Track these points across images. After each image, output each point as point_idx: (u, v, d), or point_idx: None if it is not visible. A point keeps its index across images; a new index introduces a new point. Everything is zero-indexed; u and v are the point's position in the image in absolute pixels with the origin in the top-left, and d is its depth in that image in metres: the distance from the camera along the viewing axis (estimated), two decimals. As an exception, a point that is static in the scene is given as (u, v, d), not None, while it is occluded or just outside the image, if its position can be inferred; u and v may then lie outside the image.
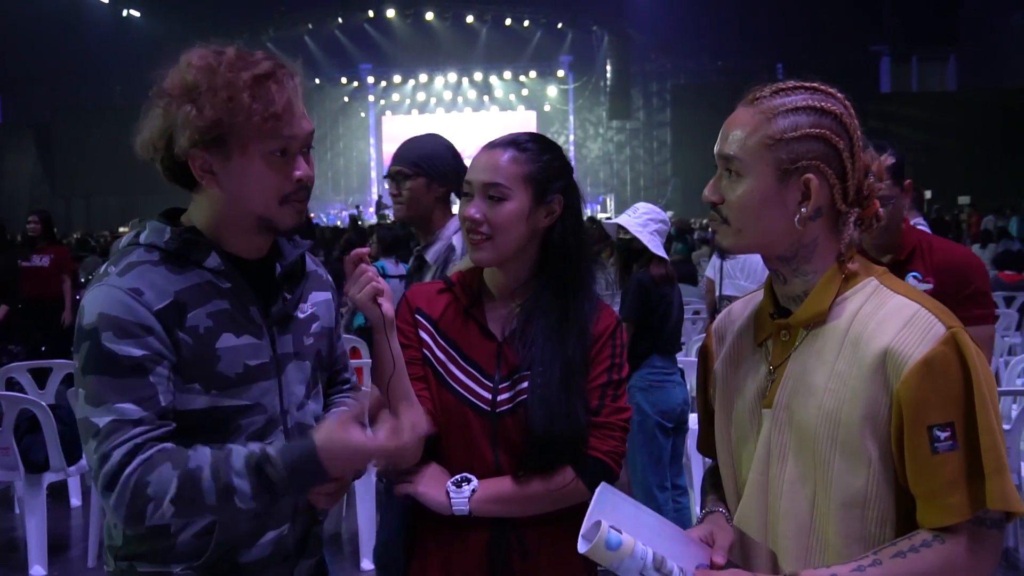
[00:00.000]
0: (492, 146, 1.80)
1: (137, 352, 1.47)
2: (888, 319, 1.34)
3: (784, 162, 1.37)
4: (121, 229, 23.41)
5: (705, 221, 20.56)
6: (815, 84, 1.43)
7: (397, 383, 1.69)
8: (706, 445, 1.66)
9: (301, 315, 1.71)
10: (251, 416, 1.59)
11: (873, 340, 1.34)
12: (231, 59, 1.52)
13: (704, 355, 1.65)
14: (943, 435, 1.28)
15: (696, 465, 4.57)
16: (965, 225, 20.07)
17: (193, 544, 1.57)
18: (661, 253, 4.12)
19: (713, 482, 1.68)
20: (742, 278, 6.56)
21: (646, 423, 4.09)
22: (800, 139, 1.37)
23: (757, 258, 7.22)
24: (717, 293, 6.41)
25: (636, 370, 4.12)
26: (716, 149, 1.45)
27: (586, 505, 1.81)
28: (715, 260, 6.63)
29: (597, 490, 1.47)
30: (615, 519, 1.37)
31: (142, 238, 1.59)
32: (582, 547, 1.35)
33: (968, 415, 1.28)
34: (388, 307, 1.66)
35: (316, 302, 1.76)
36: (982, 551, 1.30)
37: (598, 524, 1.35)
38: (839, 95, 1.42)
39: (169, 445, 1.49)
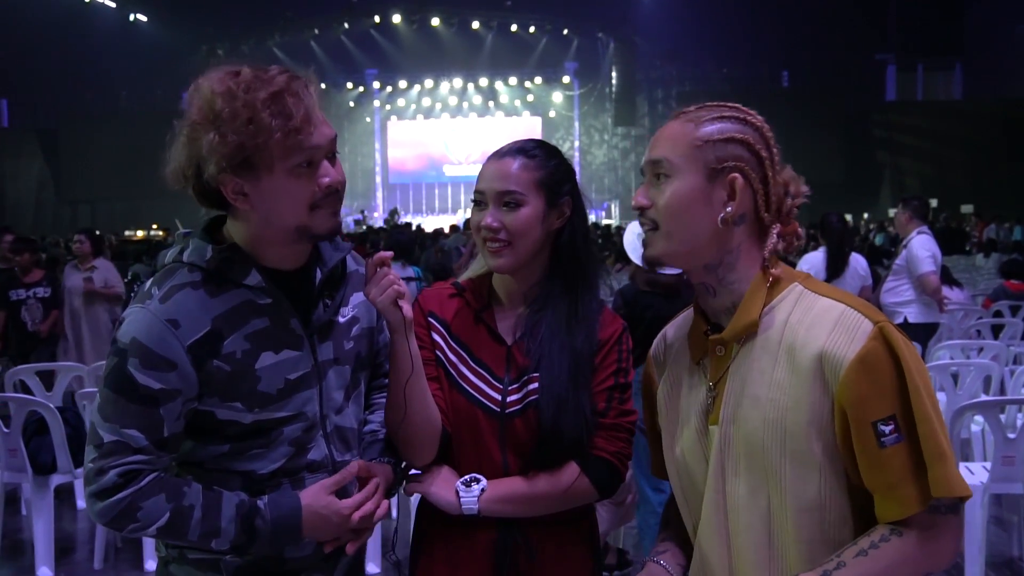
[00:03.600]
0: (500, 155, 1.82)
1: (156, 385, 1.54)
2: (817, 323, 1.38)
3: (711, 162, 1.43)
4: (127, 233, 23.47)
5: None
6: (735, 104, 1.50)
7: (415, 384, 1.72)
8: (660, 468, 1.68)
9: (342, 319, 1.75)
10: (292, 424, 1.66)
11: (807, 346, 1.37)
12: (248, 80, 1.54)
13: (647, 382, 1.68)
14: (887, 428, 1.31)
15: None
16: (973, 233, 20.02)
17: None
18: (638, 261, 4.07)
19: (667, 516, 1.72)
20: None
21: None
22: (726, 142, 1.43)
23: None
24: None
25: None
26: (644, 159, 1.50)
27: (591, 506, 1.85)
28: None
29: None
30: None
31: (185, 256, 1.62)
32: None
33: (905, 406, 1.31)
34: (408, 309, 1.69)
35: (356, 303, 1.79)
36: (939, 538, 1.32)
37: None
38: (758, 116, 1.49)
39: (162, 474, 1.59)
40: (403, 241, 7.34)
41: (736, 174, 1.42)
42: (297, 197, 1.58)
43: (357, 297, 1.79)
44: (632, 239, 4.13)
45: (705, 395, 1.49)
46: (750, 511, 1.41)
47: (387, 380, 1.94)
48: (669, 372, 1.59)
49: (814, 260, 6.80)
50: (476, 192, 1.81)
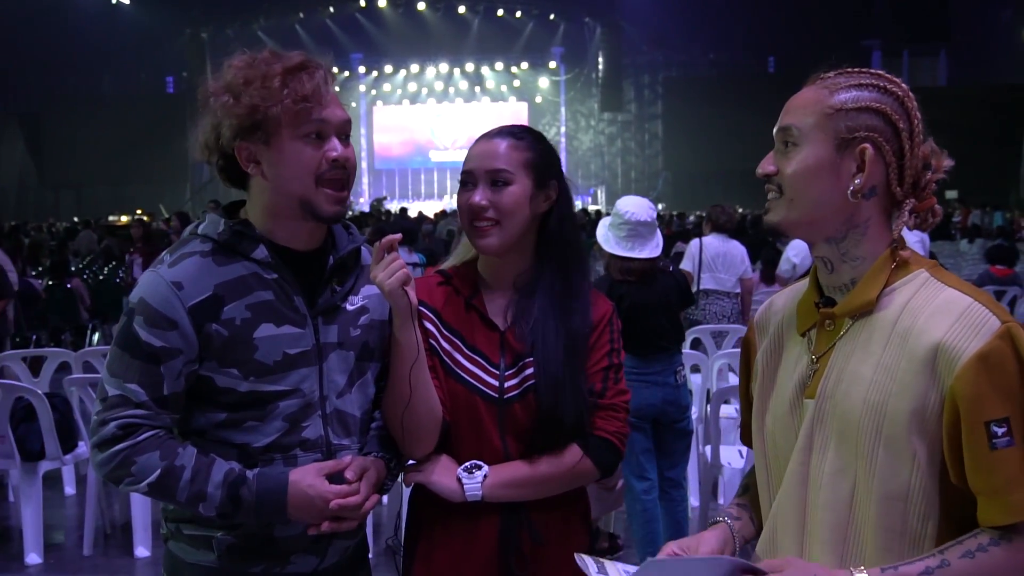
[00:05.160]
0: (489, 136, 1.84)
1: (157, 343, 1.63)
2: (940, 313, 1.32)
3: (842, 131, 1.37)
4: (111, 218, 23.30)
5: (699, 213, 20.58)
6: (878, 72, 1.44)
7: (419, 371, 1.72)
8: (748, 435, 1.64)
9: (350, 307, 1.78)
10: (288, 399, 1.69)
11: (924, 334, 1.31)
12: (265, 56, 1.68)
13: (747, 347, 1.65)
14: (1000, 431, 1.26)
15: (693, 464, 4.62)
16: (957, 221, 20.12)
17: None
18: (613, 250, 4.09)
19: (746, 483, 1.68)
20: (722, 270, 6.55)
21: None
22: (860, 111, 1.37)
23: (735, 250, 7.13)
24: (695, 288, 6.38)
25: None
26: (776, 128, 1.45)
27: (584, 488, 1.86)
28: (692, 252, 6.54)
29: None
30: None
31: (200, 229, 1.73)
32: None
33: None
34: (414, 296, 1.69)
35: (368, 295, 1.81)
36: None
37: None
38: (903, 84, 1.42)
39: (161, 432, 1.65)
40: (408, 227, 7.43)
41: (867, 144, 1.36)
42: (304, 165, 1.66)
43: (370, 289, 1.80)
44: (604, 232, 4.13)
45: (806, 367, 1.45)
46: (832, 490, 1.38)
47: None
48: (771, 340, 1.56)
49: (800, 247, 6.83)
50: (464, 173, 1.81)
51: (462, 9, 31.08)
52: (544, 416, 1.75)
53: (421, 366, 1.72)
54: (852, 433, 1.36)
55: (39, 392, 4.55)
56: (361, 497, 1.68)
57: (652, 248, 4.10)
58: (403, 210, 18.35)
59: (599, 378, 1.81)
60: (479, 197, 1.77)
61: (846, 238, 1.41)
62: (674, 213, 20.98)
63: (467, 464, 1.77)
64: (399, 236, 1.71)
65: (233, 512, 1.64)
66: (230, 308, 1.65)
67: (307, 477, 1.65)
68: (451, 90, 34.04)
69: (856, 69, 1.43)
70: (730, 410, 4.78)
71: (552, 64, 33.11)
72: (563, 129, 33.48)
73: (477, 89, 33.89)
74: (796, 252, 7.08)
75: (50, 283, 9.67)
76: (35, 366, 5.90)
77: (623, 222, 4.03)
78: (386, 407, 1.78)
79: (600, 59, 31.82)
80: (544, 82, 33.73)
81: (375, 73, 33.51)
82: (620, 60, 31.78)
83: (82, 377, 4.88)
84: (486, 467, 1.76)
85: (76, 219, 21.53)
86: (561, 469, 1.77)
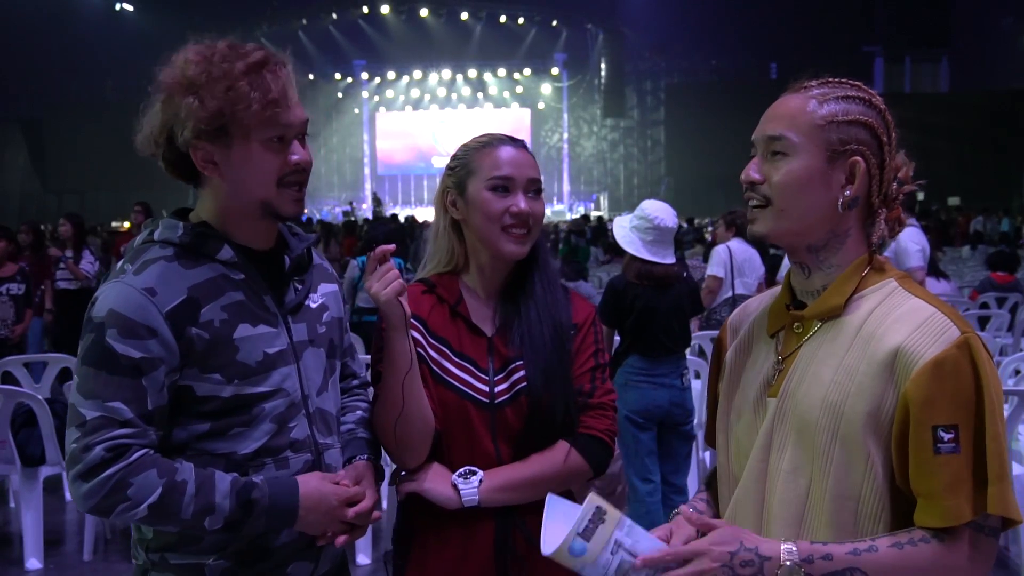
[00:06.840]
0: (516, 144, 1.84)
1: (136, 354, 1.52)
2: (903, 319, 1.36)
3: (834, 143, 1.40)
4: (113, 224, 23.33)
5: (704, 220, 20.59)
6: (858, 83, 1.47)
7: (412, 381, 1.72)
8: (712, 435, 1.67)
9: (312, 304, 1.75)
10: (274, 400, 1.64)
11: (885, 338, 1.35)
12: (224, 51, 1.58)
13: (718, 346, 1.68)
14: (947, 436, 1.29)
15: (693, 470, 4.60)
16: (955, 227, 20.11)
17: (222, 537, 1.60)
18: (641, 254, 4.12)
19: (708, 480, 1.71)
20: (748, 275, 6.54)
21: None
22: (851, 124, 1.41)
23: (755, 255, 7.07)
24: (729, 293, 6.36)
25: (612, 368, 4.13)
26: (757, 133, 1.47)
27: (582, 490, 1.85)
28: (722, 258, 6.51)
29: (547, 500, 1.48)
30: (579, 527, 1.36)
31: (156, 235, 1.63)
32: (547, 550, 1.37)
33: (977, 420, 1.30)
34: (407, 306, 1.69)
35: (325, 293, 1.80)
36: (977, 556, 1.31)
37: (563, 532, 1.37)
38: (879, 96, 1.46)
39: (151, 451, 1.54)
40: (389, 232, 7.47)
41: (858, 157, 1.40)
42: (266, 170, 1.60)
43: (325, 287, 1.80)
44: (626, 234, 4.13)
45: (772, 367, 1.48)
46: (788, 487, 1.41)
47: (355, 381, 1.93)
48: (742, 339, 1.59)
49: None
50: (500, 178, 1.78)
51: (465, 16, 31.18)
52: (535, 412, 1.76)
53: (414, 376, 1.72)
54: (810, 432, 1.39)
55: (40, 398, 4.55)
56: (371, 502, 1.68)
57: (673, 254, 4.18)
58: (380, 215, 18.33)
59: (587, 378, 1.82)
60: (525, 205, 1.77)
61: (826, 246, 1.44)
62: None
63: (461, 470, 1.77)
64: (392, 247, 1.69)
65: (243, 520, 1.56)
66: (207, 310, 1.57)
67: (314, 479, 1.64)
68: (454, 96, 34.11)
69: (836, 80, 1.46)
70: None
71: (555, 70, 33.19)
72: (565, 135, 33.53)
73: (480, 95, 33.98)
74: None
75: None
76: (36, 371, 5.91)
77: (651, 227, 4.05)
78: (378, 417, 1.78)
79: (602, 65, 31.87)
80: (547, 88, 33.80)
81: (378, 79, 33.61)
82: (622, 66, 31.85)
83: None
84: (480, 472, 1.76)
85: (98, 226, 21.54)
86: (554, 468, 1.77)
